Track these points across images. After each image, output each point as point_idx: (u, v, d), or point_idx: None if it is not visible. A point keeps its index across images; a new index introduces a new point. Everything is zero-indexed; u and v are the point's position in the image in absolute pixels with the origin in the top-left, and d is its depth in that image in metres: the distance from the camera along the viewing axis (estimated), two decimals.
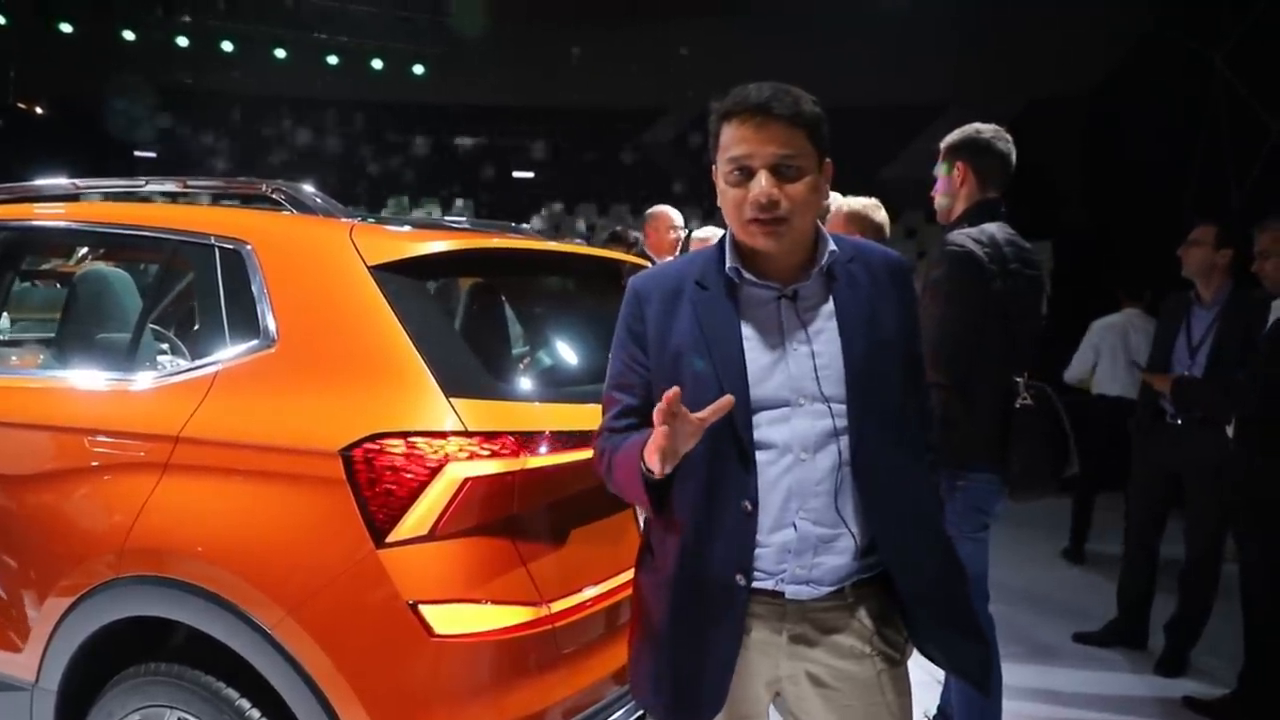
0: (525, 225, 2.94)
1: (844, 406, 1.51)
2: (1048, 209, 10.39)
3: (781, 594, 1.53)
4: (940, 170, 2.87)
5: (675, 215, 5.12)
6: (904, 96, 12.60)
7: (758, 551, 1.53)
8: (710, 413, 1.41)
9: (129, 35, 13.49)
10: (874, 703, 1.57)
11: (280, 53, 14.14)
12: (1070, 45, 10.82)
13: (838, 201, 3.42)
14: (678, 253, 5.27)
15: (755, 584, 1.53)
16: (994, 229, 2.70)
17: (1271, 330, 3.42)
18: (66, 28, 13.32)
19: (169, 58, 13.85)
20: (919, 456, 1.64)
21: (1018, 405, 2.63)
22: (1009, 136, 2.82)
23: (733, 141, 1.50)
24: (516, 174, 16.23)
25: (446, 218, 3.18)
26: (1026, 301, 2.70)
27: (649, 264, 3.15)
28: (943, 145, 2.86)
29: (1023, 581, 4.96)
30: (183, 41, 13.71)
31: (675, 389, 1.38)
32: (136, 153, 14.81)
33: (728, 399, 1.42)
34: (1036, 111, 11.97)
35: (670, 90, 14.89)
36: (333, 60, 14.33)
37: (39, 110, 14.83)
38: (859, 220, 3.31)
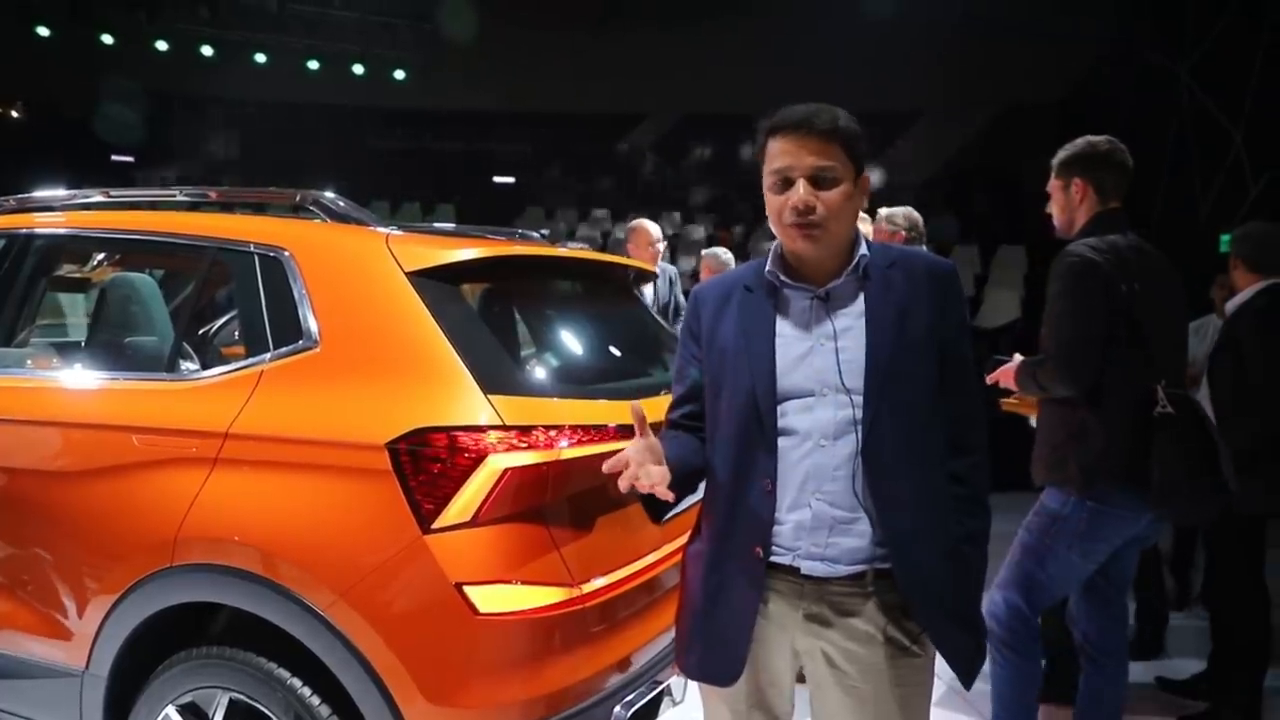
0: (543, 232, 3.09)
1: (863, 398, 1.64)
2: (1021, 215, 10.68)
3: (798, 569, 1.67)
4: (1056, 186, 2.81)
5: (654, 229, 5.25)
6: (878, 104, 12.88)
7: (776, 529, 1.66)
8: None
9: (108, 39, 13.44)
10: (880, 687, 1.67)
11: (261, 58, 14.16)
12: (1041, 56, 11.14)
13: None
14: (658, 264, 5.36)
15: (773, 558, 1.67)
16: (1116, 238, 2.65)
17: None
18: (44, 31, 13.25)
19: (149, 62, 13.82)
20: (938, 454, 1.70)
21: (1156, 413, 2.51)
22: (1124, 146, 2.75)
23: (776, 154, 1.66)
24: (497, 179, 16.35)
25: (436, 224, 3.31)
26: (1158, 308, 2.61)
27: (653, 270, 3.31)
28: (1056, 161, 2.80)
29: None
30: (162, 46, 13.68)
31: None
32: (114, 156, 14.77)
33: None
34: (1008, 120, 12.29)
35: (651, 96, 15.08)
36: (314, 65, 14.36)
37: (14, 114, 14.74)
38: None
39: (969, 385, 1.75)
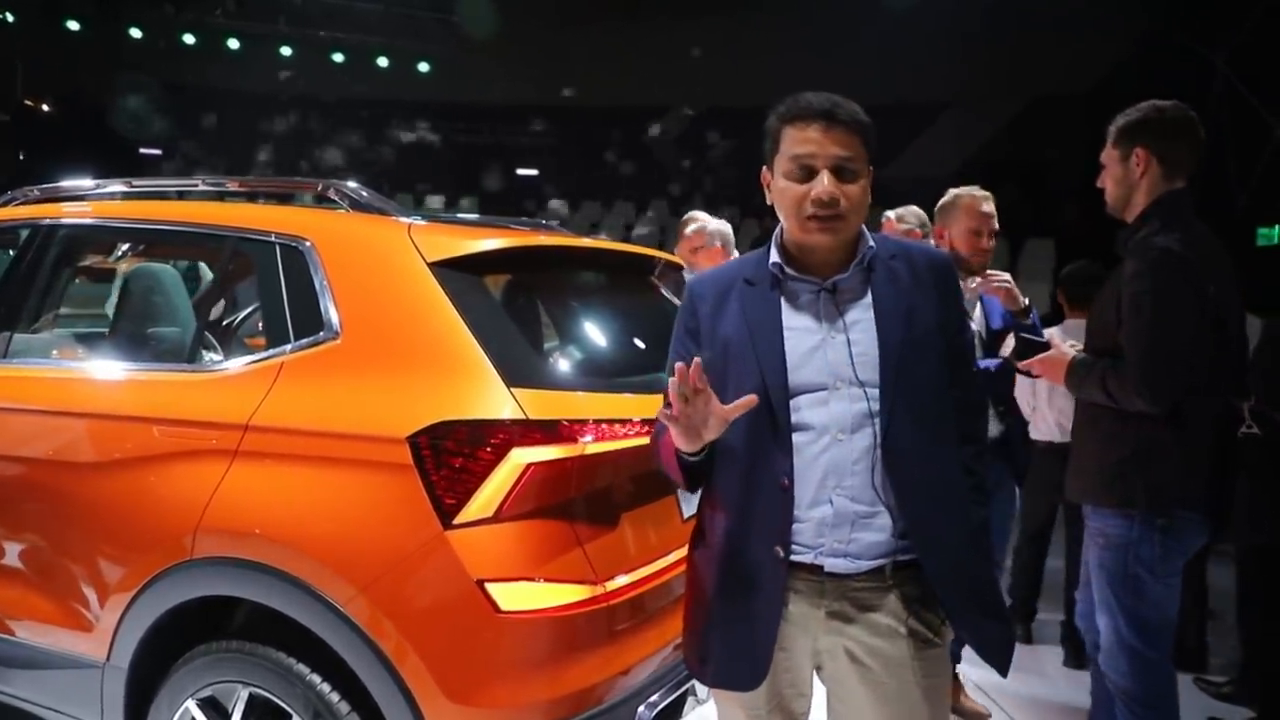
0: (552, 222, 3.05)
1: (878, 391, 1.62)
2: (1050, 208, 10.52)
3: (821, 567, 1.63)
4: (1112, 156, 2.46)
5: (707, 219, 5.21)
6: (905, 95, 12.72)
7: (796, 526, 1.63)
8: (735, 408, 1.53)
9: (136, 33, 13.57)
10: (905, 681, 1.65)
11: (286, 50, 14.24)
12: (1072, 45, 10.95)
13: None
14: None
15: (795, 557, 1.63)
16: (1195, 225, 2.33)
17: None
18: (74, 25, 13.40)
19: (175, 56, 13.94)
20: (952, 444, 1.69)
21: (1240, 434, 2.29)
22: (1195, 115, 2.40)
23: (797, 142, 1.61)
24: (520, 171, 16.35)
25: (459, 215, 3.28)
26: (1233, 311, 2.31)
27: (681, 261, 3.26)
28: (1115, 127, 2.46)
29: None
30: (189, 39, 13.80)
31: (696, 361, 1.49)
32: (142, 150, 14.92)
33: (751, 398, 1.54)
34: (1038, 111, 12.09)
35: (674, 88, 14.99)
36: (338, 58, 14.43)
37: (45, 107, 14.91)
38: None
39: (971, 375, 1.80)
